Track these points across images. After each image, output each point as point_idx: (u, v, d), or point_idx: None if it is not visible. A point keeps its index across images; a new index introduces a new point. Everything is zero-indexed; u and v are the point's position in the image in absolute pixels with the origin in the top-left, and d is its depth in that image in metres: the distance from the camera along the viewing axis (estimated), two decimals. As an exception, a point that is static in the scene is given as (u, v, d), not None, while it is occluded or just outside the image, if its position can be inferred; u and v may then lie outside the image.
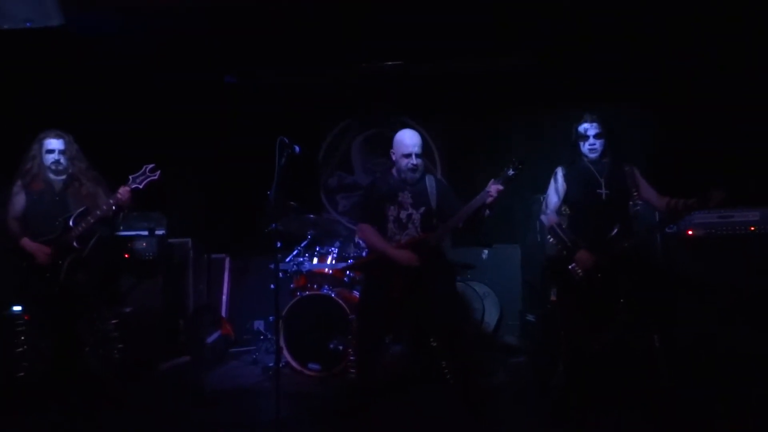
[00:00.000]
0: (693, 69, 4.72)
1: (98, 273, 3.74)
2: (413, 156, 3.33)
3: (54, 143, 3.62)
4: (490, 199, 3.14)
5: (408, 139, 3.37)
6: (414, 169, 3.34)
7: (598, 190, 3.30)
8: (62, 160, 3.63)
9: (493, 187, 3.12)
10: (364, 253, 4.63)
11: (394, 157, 3.43)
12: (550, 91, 5.21)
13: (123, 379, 3.76)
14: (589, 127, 3.33)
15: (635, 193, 3.27)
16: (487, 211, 3.22)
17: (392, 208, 3.37)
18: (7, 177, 3.70)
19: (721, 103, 4.68)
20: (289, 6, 4.19)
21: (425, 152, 3.43)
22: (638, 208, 3.27)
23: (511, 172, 3.11)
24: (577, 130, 3.37)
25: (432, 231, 3.34)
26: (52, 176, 3.64)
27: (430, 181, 3.42)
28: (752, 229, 3.85)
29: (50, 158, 3.61)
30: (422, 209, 3.36)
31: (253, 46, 4.91)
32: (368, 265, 3.55)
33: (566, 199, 3.41)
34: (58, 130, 3.67)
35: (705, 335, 3.73)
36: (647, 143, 4.74)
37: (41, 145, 3.63)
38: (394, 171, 3.46)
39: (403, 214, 3.36)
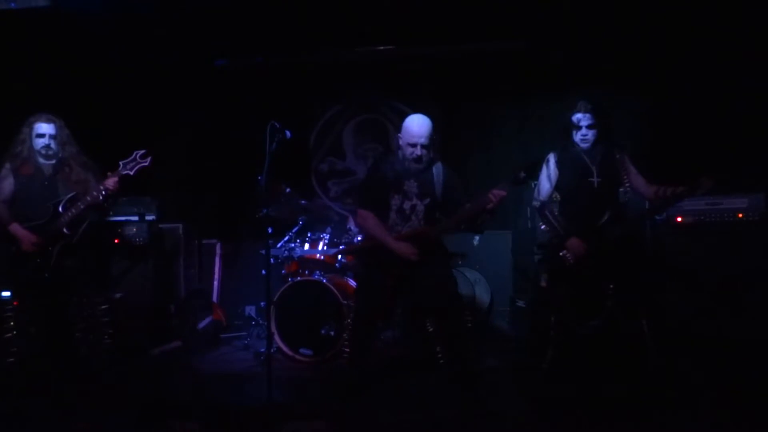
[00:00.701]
0: (685, 54, 4.72)
1: (88, 259, 3.72)
2: (418, 147, 3.17)
3: (44, 127, 3.58)
4: (490, 205, 3.02)
5: (415, 128, 3.20)
6: (417, 159, 3.19)
7: (590, 178, 3.32)
8: (53, 145, 3.59)
9: (495, 193, 3.00)
10: (356, 239, 4.65)
11: (400, 142, 3.26)
12: (542, 75, 5.20)
13: (113, 365, 3.76)
14: (582, 118, 3.32)
15: (626, 181, 3.29)
16: (488, 215, 3.12)
17: (396, 197, 3.24)
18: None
19: (712, 89, 4.69)
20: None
21: (436, 139, 3.27)
22: (628, 195, 3.29)
23: (522, 174, 3.00)
24: (570, 119, 3.35)
25: (434, 224, 3.24)
26: (41, 161, 3.60)
27: (437, 170, 3.27)
28: (740, 216, 3.89)
29: (40, 143, 3.57)
30: (427, 200, 3.23)
31: (244, 29, 4.86)
32: (364, 251, 3.46)
33: (558, 186, 3.42)
34: (49, 113, 3.62)
35: (693, 320, 3.78)
36: (638, 128, 4.75)
37: (31, 129, 3.58)
38: (400, 155, 3.30)
39: (407, 205, 3.24)
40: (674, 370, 3.40)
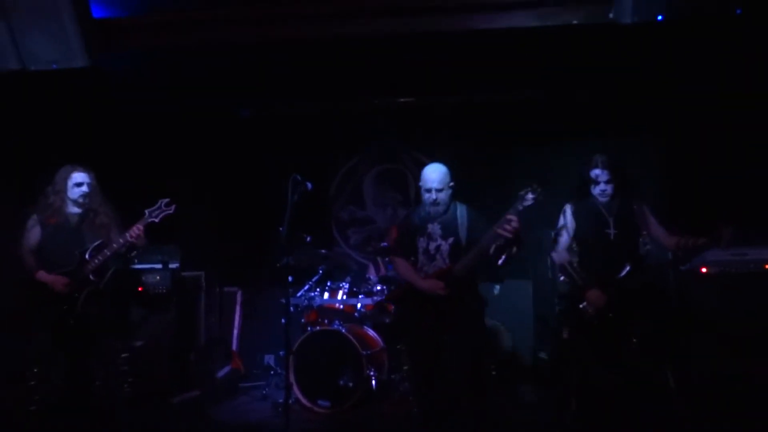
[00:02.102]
0: (704, 103, 4.74)
1: (112, 306, 3.78)
2: (433, 191, 3.41)
3: (83, 176, 3.70)
4: (506, 233, 3.07)
5: (428, 174, 3.46)
6: (434, 203, 3.41)
7: (606, 230, 3.31)
8: (90, 193, 3.70)
9: (507, 219, 3.06)
10: (375, 288, 4.65)
11: (421, 191, 3.52)
12: (561, 124, 5.26)
13: (133, 413, 3.75)
14: (600, 174, 3.35)
15: (644, 232, 3.27)
16: (514, 249, 3.20)
17: (422, 239, 3.45)
18: (22, 212, 3.76)
19: (731, 138, 4.68)
20: (304, 43, 4.31)
21: (454, 185, 3.51)
22: (648, 246, 3.26)
23: (530, 195, 3.07)
24: (588, 174, 3.38)
25: (458, 262, 3.35)
26: (72, 209, 3.70)
27: (461, 211, 3.47)
28: (767, 267, 3.81)
29: (78, 191, 3.67)
30: (451, 240, 3.40)
31: (267, 81, 5.04)
32: (402, 297, 3.62)
33: (575, 237, 3.42)
34: (81, 165, 3.76)
35: (720, 374, 3.66)
36: (657, 177, 4.74)
37: (69, 178, 3.68)
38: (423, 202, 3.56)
39: (432, 246, 3.43)
40: (701, 424, 3.27)
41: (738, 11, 3.36)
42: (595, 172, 3.35)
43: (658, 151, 5.02)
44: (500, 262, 3.29)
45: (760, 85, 4.33)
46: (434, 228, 3.44)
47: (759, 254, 3.85)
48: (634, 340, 3.19)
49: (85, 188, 3.68)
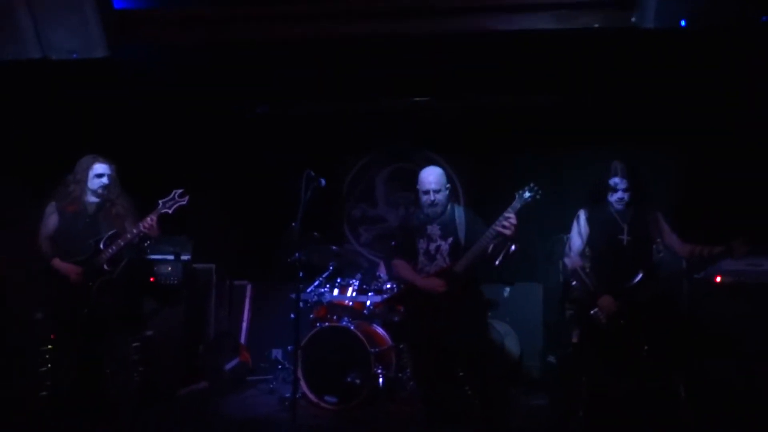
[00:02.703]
0: (722, 110, 4.69)
1: (125, 296, 3.81)
2: (431, 192, 3.45)
3: (104, 168, 3.73)
4: (506, 231, 3.11)
5: (425, 176, 3.50)
6: (431, 204, 3.45)
7: (620, 236, 3.29)
8: (110, 184, 3.73)
9: (505, 216, 3.11)
10: (385, 286, 4.65)
11: (419, 194, 3.55)
12: (575, 130, 5.22)
13: (141, 403, 3.78)
14: (619, 182, 3.33)
15: (658, 240, 3.25)
16: (512, 246, 3.26)
17: (422, 241, 3.49)
18: (40, 200, 3.80)
19: (749, 147, 4.63)
20: (320, 41, 4.31)
21: (451, 187, 3.57)
22: (662, 254, 3.24)
23: (527, 194, 3.11)
24: (607, 182, 3.36)
25: (458, 261, 3.37)
26: (90, 199, 3.73)
27: (459, 213, 3.50)
28: (782, 278, 3.76)
29: (99, 182, 3.70)
30: (450, 240, 3.43)
31: (283, 79, 5.05)
32: (404, 297, 3.67)
33: (588, 243, 3.39)
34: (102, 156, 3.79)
35: (731, 385, 3.62)
36: (672, 186, 4.69)
37: (90, 168, 3.71)
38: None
39: (431, 246, 3.46)
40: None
41: (764, 19, 3.31)
42: (614, 180, 3.33)
43: (675, 159, 4.97)
44: (497, 261, 3.36)
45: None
46: (433, 229, 3.47)
47: (774, 265, 3.80)
48: (645, 347, 3.16)
49: (105, 180, 3.71)
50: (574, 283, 3.37)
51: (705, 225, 4.12)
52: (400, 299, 3.78)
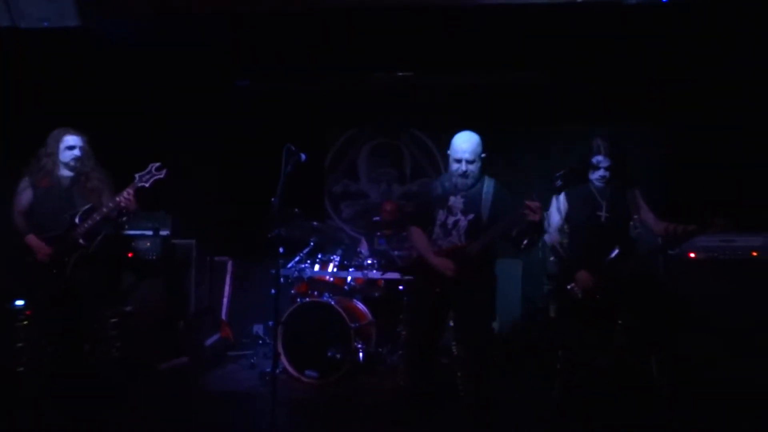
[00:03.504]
0: (702, 91, 4.73)
1: (102, 271, 3.77)
2: (463, 162, 3.16)
3: (75, 140, 3.66)
4: (532, 216, 2.95)
5: (460, 143, 3.20)
6: (464, 175, 3.18)
7: (598, 212, 3.31)
8: (82, 156, 3.66)
9: (530, 204, 2.93)
10: (366, 262, 4.66)
11: (449, 159, 3.28)
12: (559, 107, 5.23)
13: (121, 378, 3.77)
14: (602, 160, 3.32)
15: (635, 216, 3.28)
16: (536, 235, 3.10)
17: (441, 212, 3.24)
18: (12, 173, 3.73)
19: (729, 127, 4.68)
20: (303, 14, 4.23)
21: (486, 156, 3.26)
22: (638, 230, 3.28)
23: (558, 182, 3.00)
24: (590, 160, 3.35)
25: (475, 239, 3.17)
26: (63, 172, 3.67)
27: (487, 187, 3.23)
28: (754, 254, 3.84)
29: (70, 154, 3.64)
30: (471, 216, 3.19)
31: (265, 52, 4.96)
32: (414, 267, 3.41)
33: (567, 219, 3.42)
34: (73, 128, 3.71)
35: (703, 359, 3.72)
36: (652, 164, 4.74)
37: (61, 141, 3.65)
38: (449, 172, 3.31)
39: (450, 220, 3.22)
40: (683, 409, 3.33)
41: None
42: (597, 158, 3.33)
43: (654, 137, 5.02)
44: (523, 246, 3.14)
45: (759, 71, 4.31)
46: (456, 201, 3.22)
47: (747, 241, 3.87)
48: (620, 322, 3.22)
49: (77, 152, 3.64)
50: (552, 258, 3.41)
51: (680, 202, 4.19)
52: (410, 269, 3.51)
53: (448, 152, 3.28)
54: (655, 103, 4.95)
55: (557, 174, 3.00)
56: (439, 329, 3.30)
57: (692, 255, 3.93)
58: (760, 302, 3.73)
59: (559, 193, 3.06)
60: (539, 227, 3.10)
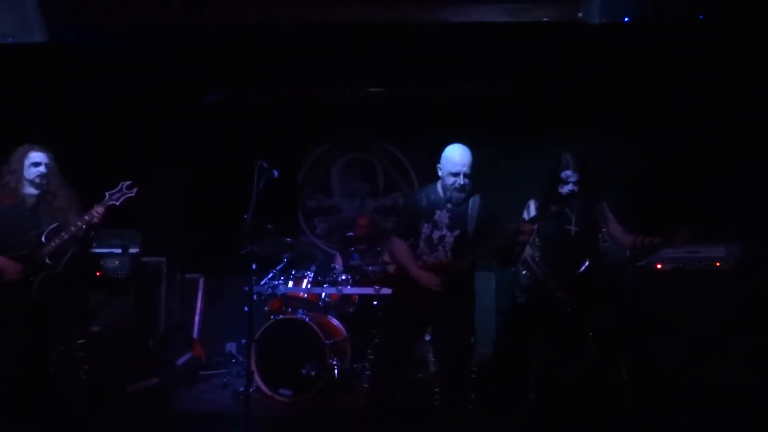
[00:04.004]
0: (666, 103, 4.88)
1: (69, 290, 3.68)
2: (461, 176, 3.13)
3: (41, 156, 3.57)
4: (522, 238, 3.07)
5: (458, 156, 3.16)
6: (461, 189, 3.15)
7: (567, 226, 3.38)
8: (47, 173, 3.58)
9: (526, 227, 3.05)
10: (340, 278, 4.65)
11: (440, 173, 3.23)
12: (527, 121, 5.33)
13: (89, 401, 3.67)
14: (570, 175, 3.38)
15: (604, 230, 3.36)
16: (520, 248, 3.17)
17: (427, 225, 3.21)
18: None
19: (693, 140, 4.83)
20: (275, 29, 4.25)
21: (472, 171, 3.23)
22: (607, 243, 3.36)
23: (554, 208, 3.08)
24: (558, 175, 3.41)
25: (462, 256, 3.17)
26: (28, 190, 3.58)
27: (474, 203, 3.21)
28: (717, 264, 3.97)
29: (35, 171, 3.55)
30: (457, 232, 3.17)
31: (236, 66, 4.95)
32: (396, 280, 3.36)
33: (537, 232, 3.48)
34: (38, 144, 3.63)
35: (672, 367, 3.81)
36: (618, 176, 4.86)
37: (26, 157, 3.56)
38: (438, 186, 3.28)
39: (435, 234, 3.19)
40: (653, 417, 3.40)
41: (700, 17, 3.47)
42: (566, 173, 3.39)
43: (620, 150, 5.14)
44: (507, 262, 3.26)
45: (719, 87, 4.48)
46: (442, 216, 3.19)
47: (711, 252, 4.00)
48: (591, 333, 3.28)
49: (42, 168, 3.57)
50: (524, 272, 3.46)
51: (646, 214, 4.30)
52: (390, 281, 3.46)
53: (439, 165, 3.24)
54: (620, 116, 5.09)
55: (554, 201, 3.14)
56: (414, 343, 3.29)
57: (659, 266, 4.04)
58: (724, 309, 3.85)
59: (550, 218, 3.15)
60: (524, 246, 3.16)
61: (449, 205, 3.20)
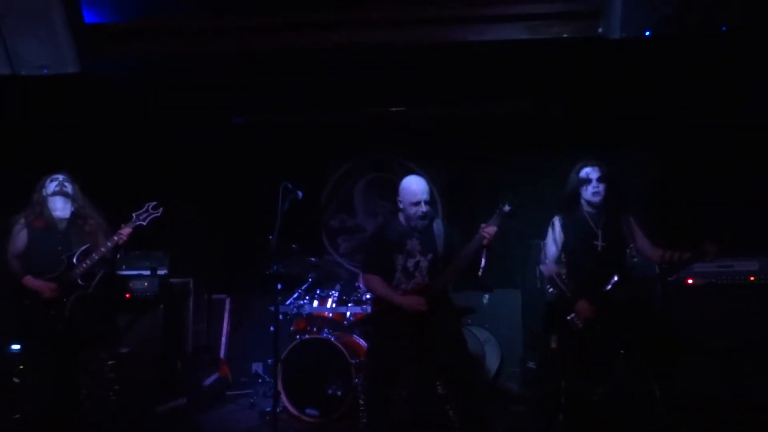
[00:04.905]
0: (692, 115, 4.81)
1: (100, 311, 3.75)
2: (422, 203, 3.28)
3: (56, 176, 3.68)
4: (485, 242, 3.09)
5: (416, 186, 3.32)
6: (423, 216, 3.29)
7: (594, 242, 3.33)
8: (66, 184, 3.66)
9: (487, 230, 3.08)
10: (365, 296, 4.65)
11: (401, 205, 3.37)
12: (549, 137, 5.31)
13: (118, 421, 3.71)
14: (591, 171, 3.33)
15: (631, 244, 3.30)
16: (485, 254, 3.16)
17: (401, 256, 3.32)
18: (9, 215, 3.73)
19: (717, 152, 4.75)
20: (297, 52, 4.33)
21: (431, 198, 3.41)
22: (635, 259, 3.29)
23: (507, 207, 3.07)
24: (577, 176, 3.37)
25: (437, 276, 3.26)
26: (59, 214, 3.67)
27: (437, 226, 3.37)
28: (752, 279, 3.87)
29: (53, 185, 3.64)
30: (430, 256, 3.30)
31: (260, 89, 5.05)
32: (376, 317, 3.46)
33: (564, 249, 3.44)
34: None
35: (705, 385, 3.70)
36: (644, 191, 4.80)
37: (45, 180, 3.68)
38: (401, 217, 3.40)
39: (410, 263, 3.30)
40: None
41: (723, 29, 3.43)
42: (586, 170, 3.34)
43: (645, 165, 5.08)
44: (480, 272, 3.22)
45: (744, 100, 4.41)
46: (413, 244, 3.31)
47: (744, 266, 3.90)
48: (621, 351, 3.21)
49: (59, 179, 3.65)
50: (550, 289, 3.41)
51: (675, 229, 4.22)
52: (374, 319, 3.50)
53: (398, 198, 3.38)
54: (643, 130, 5.03)
55: (505, 201, 3.08)
56: (402, 374, 3.33)
57: (690, 281, 3.95)
58: (759, 325, 3.74)
59: (506, 220, 3.11)
60: (490, 251, 3.16)
61: (416, 233, 3.33)
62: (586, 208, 3.39)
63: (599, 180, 3.32)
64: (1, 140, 4.48)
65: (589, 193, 3.34)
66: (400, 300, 3.23)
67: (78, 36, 3.54)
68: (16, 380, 3.57)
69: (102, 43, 3.82)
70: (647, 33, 3.45)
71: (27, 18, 3.47)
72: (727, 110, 4.55)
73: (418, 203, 3.29)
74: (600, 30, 3.60)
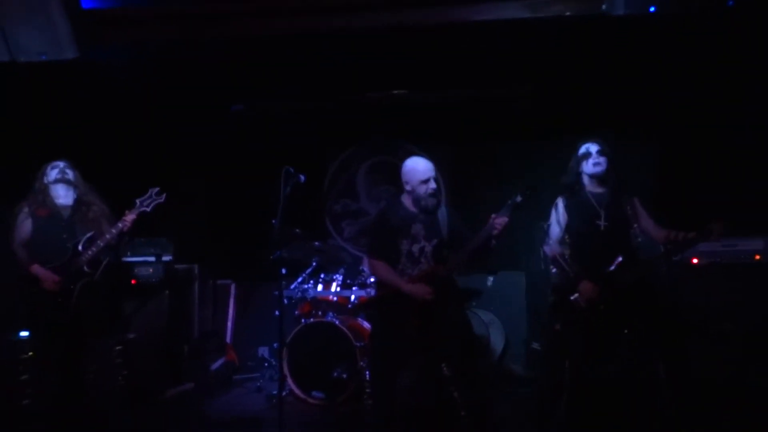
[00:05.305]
0: (695, 96, 4.75)
1: (106, 298, 3.77)
2: (431, 180, 3.27)
3: (58, 163, 3.69)
4: (495, 231, 3.10)
5: (423, 165, 3.32)
6: (434, 193, 3.27)
7: (597, 221, 3.30)
8: (67, 170, 3.66)
9: (498, 221, 3.08)
10: (369, 280, 4.66)
11: (408, 186, 3.33)
12: (551, 120, 5.26)
13: (126, 407, 3.75)
14: (590, 145, 3.32)
15: (635, 224, 3.28)
16: (494, 242, 3.17)
17: (405, 241, 3.28)
18: (11, 208, 3.73)
19: (721, 131, 4.70)
20: (297, 36, 4.29)
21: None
22: (639, 239, 3.27)
23: (519, 198, 3.10)
24: (577, 153, 3.36)
25: (443, 262, 3.27)
26: (59, 201, 3.67)
27: (442, 213, 3.36)
28: (757, 257, 3.84)
29: (54, 173, 3.64)
30: (434, 241, 3.28)
31: (260, 75, 5.02)
32: (380, 300, 3.44)
33: (567, 230, 3.42)
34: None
35: (711, 365, 3.70)
36: (647, 171, 4.75)
37: (45, 168, 3.68)
38: (404, 201, 3.38)
39: (415, 248, 3.28)
40: (692, 418, 3.30)
41: (730, 3, 3.36)
42: (586, 145, 3.33)
43: (649, 144, 5.04)
44: (483, 258, 3.27)
45: (751, 78, 4.35)
46: (418, 229, 3.29)
47: (749, 245, 3.88)
48: (626, 331, 3.21)
49: (60, 166, 3.65)
50: (554, 270, 3.40)
51: (680, 209, 4.20)
52: (379, 303, 3.48)
53: (405, 180, 3.35)
54: (647, 111, 4.98)
55: (518, 191, 3.11)
56: (408, 359, 3.34)
57: (695, 261, 3.93)
58: (765, 304, 3.72)
59: (516, 210, 3.12)
60: (498, 238, 3.17)
61: (422, 217, 3.31)
62: (589, 187, 3.37)
63: (599, 153, 3.31)
64: (0, 128, 4.47)
65: (590, 165, 3.32)
66: (408, 288, 3.21)
67: (75, 21, 3.50)
68: (25, 377, 3.58)
69: (100, 28, 3.78)
70: (652, 9, 3.38)
71: (24, 4, 3.44)
72: (733, 89, 4.49)
73: (427, 180, 3.27)
74: (603, 7, 3.53)
